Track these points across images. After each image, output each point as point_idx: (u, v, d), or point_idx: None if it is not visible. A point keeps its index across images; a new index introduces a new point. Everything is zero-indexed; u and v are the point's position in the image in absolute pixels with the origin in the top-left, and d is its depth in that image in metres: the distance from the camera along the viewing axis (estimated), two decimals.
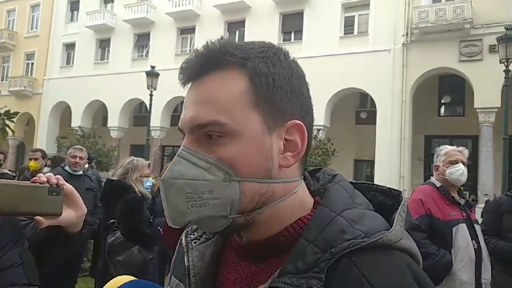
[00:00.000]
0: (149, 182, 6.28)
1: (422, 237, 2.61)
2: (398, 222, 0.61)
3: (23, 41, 28.50)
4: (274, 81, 0.61)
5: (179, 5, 22.35)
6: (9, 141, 24.84)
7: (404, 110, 16.81)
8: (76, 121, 24.17)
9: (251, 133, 0.60)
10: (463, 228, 2.68)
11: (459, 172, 2.78)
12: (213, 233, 0.69)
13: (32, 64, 28.13)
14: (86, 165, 5.00)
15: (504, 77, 11.15)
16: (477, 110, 15.51)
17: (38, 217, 1.10)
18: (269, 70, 0.61)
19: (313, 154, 15.01)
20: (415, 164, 17.82)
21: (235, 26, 21.48)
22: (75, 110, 24.94)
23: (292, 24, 20.06)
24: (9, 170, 5.52)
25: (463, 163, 2.83)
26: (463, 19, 15.78)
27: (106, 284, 0.71)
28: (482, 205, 10.89)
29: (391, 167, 16.46)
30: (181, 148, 0.62)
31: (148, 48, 23.75)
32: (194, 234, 0.76)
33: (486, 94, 14.97)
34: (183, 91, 0.63)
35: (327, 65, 17.08)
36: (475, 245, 2.67)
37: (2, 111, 17.15)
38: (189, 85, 0.65)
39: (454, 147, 2.92)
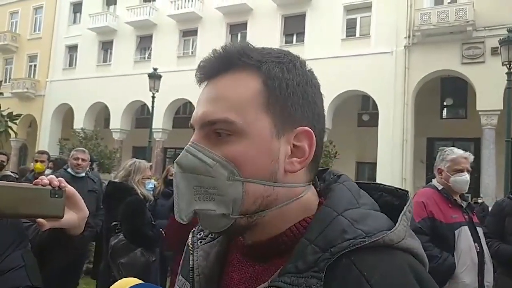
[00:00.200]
0: (151, 184, 6.28)
1: (424, 240, 2.59)
2: (402, 222, 0.60)
3: (26, 43, 28.58)
4: (287, 86, 0.62)
5: (181, 8, 22.38)
6: (12, 143, 24.89)
7: (406, 113, 16.78)
8: (79, 123, 24.19)
9: (259, 134, 0.61)
10: (465, 230, 2.67)
11: (464, 181, 2.77)
12: (216, 233, 0.70)
13: (35, 66, 28.19)
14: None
15: (507, 80, 11.14)
16: (480, 113, 15.47)
17: (40, 219, 1.09)
18: (283, 75, 0.63)
19: None
20: (417, 167, 17.78)
21: (237, 28, 21.49)
22: (77, 112, 24.98)
23: (294, 27, 20.05)
24: (11, 172, 5.53)
25: (468, 171, 2.81)
26: (465, 22, 15.75)
27: (113, 285, 0.72)
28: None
29: (393, 170, 16.42)
30: (189, 143, 0.64)
31: (151, 50, 23.78)
32: (200, 234, 0.77)
33: (488, 96, 14.93)
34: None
35: (329, 68, 17.07)
36: (478, 248, 2.66)
37: (5, 113, 17.21)
38: (205, 83, 0.66)
39: (461, 153, 2.86)
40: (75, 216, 1.19)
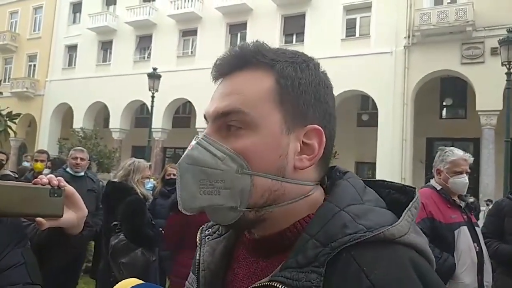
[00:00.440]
0: (150, 183, 6.28)
1: None
2: (406, 217, 0.60)
3: (25, 42, 28.57)
4: (300, 85, 0.64)
5: (181, 8, 22.37)
6: (11, 142, 24.84)
7: (405, 112, 16.78)
8: (78, 123, 24.17)
9: (269, 129, 0.63)
10: (464, 230, 2.67)
11: (463, 183, 2.78)
12: (225, 226, 0.70)
13: (34, 65, 28.19)
14: None
15: (506, 80, 11.15)
16: (479, 113, 15.47)
17: (39, 219, 1.10)
18: (296, 74, 0.65)
19: None
20: (417, 167, 17.79)
21: (237, 28, 21.48)
22: (77, 112, 24.98)
23: (294, 27, 20.05)
24: (11, 171, 5.52)
25: (467, 173, 2.81)
26: (465, 22, 15.76)
27: (116, 285, 0.72)
28: (483, 208, 10.86)
29: (392, 170, 16.42)
30: (201, 136, 0.66)
31: (150, 50, 23.77)
32: (208, 230, 0.78)
33: (488, 96, 14.93)
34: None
35: (328, 67, 16.35)
36: (477, 247, 2.66)
37: (4, 112, 17.16)
38: (220, 80, 0.68)
39: (461, 155, 2.83)
40: (74, 215, 1.19)
